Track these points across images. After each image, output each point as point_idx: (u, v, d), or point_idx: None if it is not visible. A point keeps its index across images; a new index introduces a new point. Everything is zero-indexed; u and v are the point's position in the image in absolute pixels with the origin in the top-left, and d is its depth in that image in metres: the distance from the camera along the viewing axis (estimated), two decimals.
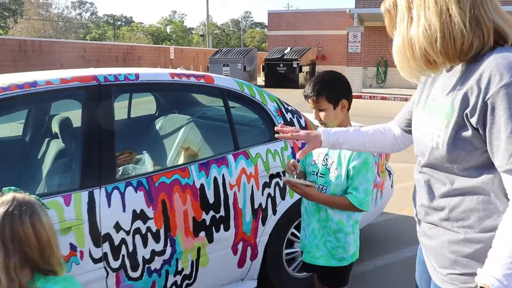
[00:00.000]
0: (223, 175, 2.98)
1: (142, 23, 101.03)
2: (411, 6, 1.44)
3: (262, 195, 3.17)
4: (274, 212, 3.25)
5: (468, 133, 1.37)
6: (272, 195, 3.22)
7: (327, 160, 2.40)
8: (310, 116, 2.99)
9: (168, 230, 2.75)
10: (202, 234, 2.91)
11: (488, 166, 1.37)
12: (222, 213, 2.98)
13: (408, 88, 21.91)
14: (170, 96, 4.34)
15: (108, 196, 2.54)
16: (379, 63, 26.11)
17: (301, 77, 25.94)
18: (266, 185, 3.18)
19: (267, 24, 36.29)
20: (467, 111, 1.35)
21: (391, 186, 4.43)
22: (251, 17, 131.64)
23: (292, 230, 3.47)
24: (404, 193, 5.33)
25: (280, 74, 25.88)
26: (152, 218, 2.68)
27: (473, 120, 1.34)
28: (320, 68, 31.75)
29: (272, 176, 3.22)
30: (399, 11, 1.48)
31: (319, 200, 2.35)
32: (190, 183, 2.84)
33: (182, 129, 3.88)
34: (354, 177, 2.28)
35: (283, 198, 3.28)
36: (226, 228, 3.03)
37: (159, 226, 2.71)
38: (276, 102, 3.41)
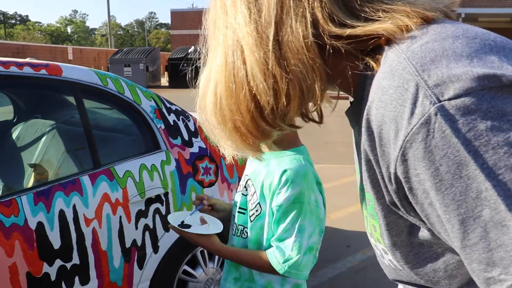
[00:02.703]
0: (74, 206, 2.07)
1: (39, 22, 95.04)
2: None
3: (136, 228, 2.30)
4: (155, 249, 2.40)
5: (424, 233, 0.66)
6: (151, 227, 2.36)
7: (249, 187, 1.56)
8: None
9: None
10: None
11: None
12: (75, 260, 2.08)
13: None
14: (29, 95, 3.32)
15: None
16: None
17: None
18: (142, 214, 2.31)
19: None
20: (388, 201, 0.66)
21: None
22: (156, 18, 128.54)
23: (184, 267, 2.64)
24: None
25: (185, 74, 24.85)
26: None
27: (411, 217, 0.65)
28: None
29: (149, 201, 2.36)
30: None
31: (221, 256, 1.54)
32: (20, 223, 1.91)
33: (43, 139, 2.90)
34: (279, 221, 1.42)
35: (166, 229, 2.43)
36: (84, 281, 2.12)
37: None
38: (154, 100, 2.55)
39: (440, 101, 0.51)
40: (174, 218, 1.61)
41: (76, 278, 2.09)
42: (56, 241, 2.01)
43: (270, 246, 1.47)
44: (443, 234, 0.57)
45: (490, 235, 0.49)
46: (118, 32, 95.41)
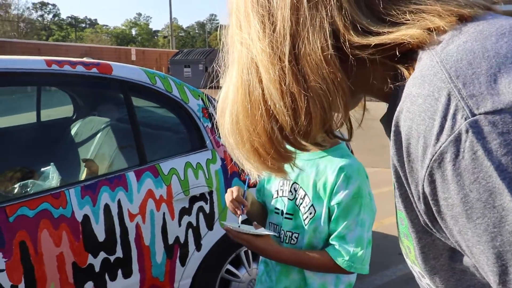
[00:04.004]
0: (119, 201, 2.12)
1: (106, 25, 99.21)
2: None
3: (180, 225, 2.32)
4: (198, 247, 2.41)
5: (468, 259, 0.56)
6: (194, 224, 2.38)
7: (295, 191, 1.51)
8: None
9: (33, 285, 1.88)
10: (90, 285, 2.06)
11: None
12: (119, 253, 2.13)
13: None
14: (87, 93, 3.46)
15: None
16: None
17: None
18: (185, 211, 2.34)
19: None
20: (423, 222, 0.58)
21: None
22: (217, 20, 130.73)
23: (228, 266, 2.64)
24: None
25: None
26: (3, 270, 1.81)
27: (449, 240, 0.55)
28: None
29: (193, 199, 2.38)
30: None
31: (280, 259, 1.47)
32: (67, 214, 1.98)
33: (98, 136, 3.02)
34: (339, 218, 1.40)
35: (210, 227, 2.44)
36: (127, 274, 2.17)
37: (16, 281, 1.84)
38: (202, 99, 2.58)
39: (474, 115, 0.43)
40: (228, 223, 1.56)
41: (119, 271, 2.15)
42: (100, 234, 2.07)
43: (326, 246, 1.44)
44: (474, 263, 0.50)
45: None
46: (180, 34, 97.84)
